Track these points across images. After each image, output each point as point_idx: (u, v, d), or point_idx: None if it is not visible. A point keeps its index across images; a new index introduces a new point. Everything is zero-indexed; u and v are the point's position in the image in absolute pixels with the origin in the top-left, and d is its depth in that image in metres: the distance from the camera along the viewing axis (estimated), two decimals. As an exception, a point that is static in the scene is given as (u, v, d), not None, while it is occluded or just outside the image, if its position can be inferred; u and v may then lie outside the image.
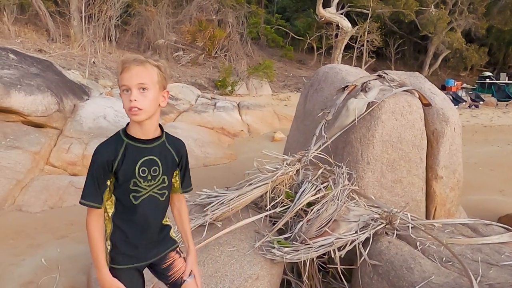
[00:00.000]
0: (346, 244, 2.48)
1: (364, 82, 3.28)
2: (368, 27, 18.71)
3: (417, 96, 3.27)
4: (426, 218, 3.20)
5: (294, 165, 2.96)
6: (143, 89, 1.43)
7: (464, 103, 16.53)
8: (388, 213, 2.67)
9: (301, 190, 2.79)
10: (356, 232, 2.54)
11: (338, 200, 2.66)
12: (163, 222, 1.68)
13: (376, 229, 2.60)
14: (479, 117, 14.16)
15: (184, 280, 1.69)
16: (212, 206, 2.74)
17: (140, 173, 1.51)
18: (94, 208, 1.49)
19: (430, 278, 2.20)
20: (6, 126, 5.62)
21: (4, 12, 13.10)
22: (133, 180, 1.50)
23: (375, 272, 2.41)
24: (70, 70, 10.03)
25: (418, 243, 2.56)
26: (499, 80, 20.84)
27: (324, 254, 2.53)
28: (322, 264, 2.69)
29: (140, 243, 1.59)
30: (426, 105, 3.27)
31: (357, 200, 2.84)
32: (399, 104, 3.12)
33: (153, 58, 1.47)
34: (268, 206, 2.82)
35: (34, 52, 11.15)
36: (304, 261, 2.45)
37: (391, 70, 4.02)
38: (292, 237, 2.58)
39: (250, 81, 15.62)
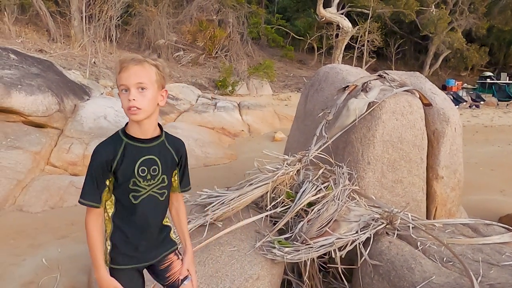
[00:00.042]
0: (347, 244, 2.48)
1: (365, 82, 3.28)
2: (369, 27, 18.70)
3: (418, 96, 3.27)
4: (426, 218, 3.20)
5: (295, 165, 2.96)
6: (142, 88, 1.43)
7: (464, 103, 16.52)
8: (389, 213, 2.67)
9: (301, 190, 2.79)
10: (356, 232, 2.54)
11: (338, 200, 2.66)
12: (163, 222, 1.68)
13: (377, 229, 2.60)
14: (480, 117, 14.15)
15: (182, 282, 1.69)
16: (213, 206, 2.73)
17: (140, 172, 1.50)
18: (93, 208, 1.49)
19: (431, 278, 2.20)
20: (7, 126, 5.62)
21: (5, 12, 13.11)
22: (132, 179, 1.50)
23: (376, 272, 2.40)
24: (70, 70, 10.03)
25: (418, 243, 2.55)
26: (499, 80, 20.83)
27: (324, 254, 2.53)
28: (323, 264, 2.69)
29: (140, 243, 1.59)
30: (427, 105, 3.27)
31: (357, 200, 2.84)
32: (400, 104, 3.12)
33: (151, 57, 1.47)
34: (269, 206, 2.82)
35: (34, 52, 11.16)
36: (305, 261, 2.45)
37: (392, 70, 4.02)
38: (292, 237, 2.58)
39: (251, 81, 15.62)
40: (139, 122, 1.48)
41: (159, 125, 1.58)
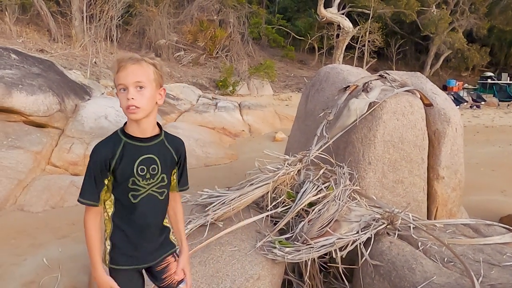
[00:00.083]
0: (348, 244, 2.48)
1: (366, 82, 3.28)
2: (370, 27, 18.71)
3: (419, 96, 3.27)
4: (427, 219, 3.20)
5: (296, 165, 2.96)
6: (140, 87, 1.42)
7: (465, 103, 16.54)
8: (390, 213, 2.66)
9: (302, 190, 2.79)
10: (357, 232, 2.54)
11: (339, 200, 2.66)
12: (163, 223, 1.67)
13: (378, 229, 2.60)
14: (481, 118, 14.14)
15: (177, 285, 1.68)
16: (214, 206, 2.73)
17: (139, 171, 1.50)
18: (92, 206, 1.49)
19: (431, 278, 2.19)
20: (8, 126, 5.63)
21: (6, 12, 13.14)
22: (131, 178, 1.50)
23: (377, 273, 2.40)
24: (71, 70, 10.05)
25: (419, 244, 2.55)
26: (500, 80, 20.84)
27: (325, 254, 2.53)
28: (324, 264, 2.69)
29: (140, 242, 1.58)
30: (428, 105, 3.26)
31: (358, 200, 2.84)
32: (401, 104, 3.12)
33: (149, 56, 1.46)
34: (270, 206, 2.81)
35: (35, 52, 11.18)
36: (306, 261, 2.45)
37: (393, 70, 4.02)
38: (293, 237, 2.58)
39: (251, 81, 15.64)
40: (138, 121, 1.47)
41: (158, 124, 1.57)
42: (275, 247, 2.46)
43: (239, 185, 2.98)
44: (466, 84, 20.91)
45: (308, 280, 2.59)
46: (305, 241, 2.47)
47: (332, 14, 18.49)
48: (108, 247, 1.57)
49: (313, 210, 2.64)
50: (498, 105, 17.21)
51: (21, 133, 5.60)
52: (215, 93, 13.98)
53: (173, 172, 1.66)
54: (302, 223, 2.60)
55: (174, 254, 1.72)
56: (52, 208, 4.64)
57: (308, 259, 2.44)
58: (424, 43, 23.10)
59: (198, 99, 11.36)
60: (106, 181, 1.50)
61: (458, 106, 14.24)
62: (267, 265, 2.42)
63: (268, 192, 2.83)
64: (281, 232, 2.73)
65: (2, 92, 5.51)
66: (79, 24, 14.14)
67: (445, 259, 2.39)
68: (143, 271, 1.69)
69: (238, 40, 18.49)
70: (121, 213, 1.55)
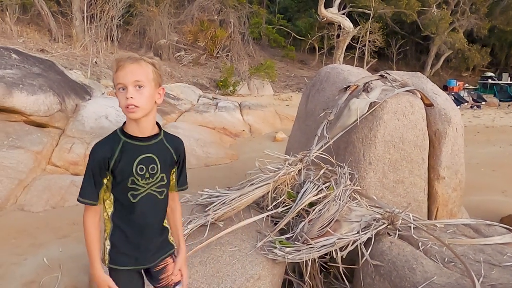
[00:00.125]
0: (348, 244, 2.48)
1: (366, 82, 3.28)
2: (370, 27, 18.71)
3: (419, 96, 3.27)
4: (428, 219, 3.19)
5: (296, 165, 2.96)
6: (139, 86, 1.43)
7: (466, 103, 16.53)
8: (390, 214, 2.66)
9: (303, 190, 2.79)
10: (358, 232, 2.54)
11: (340, 200, 2.66)
12: (163, 223, 1.67)
13: (378, 229, 2.59)
14: (481, 118, 14.13)
15: (174, 287, 1.69)
16: (214, 206, 2.73)
17: (138, 171, 1.50)
18: (91, 206, 1.50)
19: (432, 278, 2.19)
20: (8, 125, 5.63)
21: (7, 12, 13.15)
22: (131, 178, 1.50)
23: (377, 273, 2.40)
24: (72, 70, 10.05)
25: (420, 244, 2.55)
26: (501, 80, 20.84)
27: (326, 254, 2.53)
28: (324, 264, 2.69)
29: (140, 242, 1.58)
30: (428, 105, 3.26)
31: (359, 200, 2.84)
32: (401, 104, 3.12)
33: (148, 56, 1.47)
34: (270, 206, 2.81)
35: (36, 52, 11.18)
36: (306, 261, 2.45)
37: (393, 70, 4.02)
38: (294, 237, 2.58)
39: (252, 81, 15.65)
40: (137, 120, 1.48)
41: (157, 123, 1.58)
42: (276, 247, 2.46)
43: (240, 185, 2.98)
44: (467, 84, 20.91)
45: (308, 280, 2.59)
46: (305, 241, 2.47)
47: (332, 14, 18.49)
48: (108, 247, 1.57)
49: (313, 210, 2.64)
50: (499, 105, 17.20)
51: (21, 133, 5.60)
52: (216, 93, 13.99)
53: (172, 172, 1.66)
54: (303, 223, 2.60)
55: (172, 255, 1.72)
56: (52, 208, 4.64)
57: (309, 259, 2.44)
58: (425, 43, 23.09)
59: (198, 99, 11.36)
60: (105, 181, 1.50)
61: (458, 106, 14.25)
62: (268, 265, 2.42)
63: (268, 192, 2.83)
64: (282, 232, 2.73)
65: (3, 92, 5.51)
66: (79, 24, 14.15)
67: (446, 259, 2.39)
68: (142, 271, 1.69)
69: (239, 40, 18.50)
70: (120, 213, 1.55)
